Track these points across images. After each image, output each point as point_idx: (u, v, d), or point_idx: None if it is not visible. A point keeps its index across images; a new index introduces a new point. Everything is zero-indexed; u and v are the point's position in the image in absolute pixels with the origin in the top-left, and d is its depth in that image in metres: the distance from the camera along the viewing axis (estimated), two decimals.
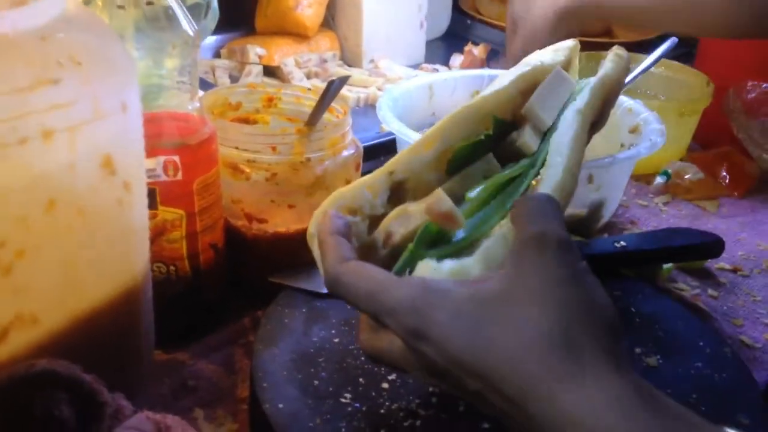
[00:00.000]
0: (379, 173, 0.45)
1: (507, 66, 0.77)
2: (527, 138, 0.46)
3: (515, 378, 0.32)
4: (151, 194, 0.49)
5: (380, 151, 0.80)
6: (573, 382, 0.31)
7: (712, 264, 0.69)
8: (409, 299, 0.35)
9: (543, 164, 0.43)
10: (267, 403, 0.45)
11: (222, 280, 0.57)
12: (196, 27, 0.50)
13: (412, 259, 0.41)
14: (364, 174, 0.64)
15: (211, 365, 0.53)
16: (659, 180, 0.83)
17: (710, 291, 0.66)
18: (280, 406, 0.45)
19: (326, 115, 0.61)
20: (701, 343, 0.53)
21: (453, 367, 0.34)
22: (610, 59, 0.50)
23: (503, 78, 0.48)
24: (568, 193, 0.42)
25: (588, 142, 0.46)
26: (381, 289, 0.36)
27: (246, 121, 0.65)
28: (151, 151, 0.49)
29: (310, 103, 0.63)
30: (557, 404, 0.31)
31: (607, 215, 0.73)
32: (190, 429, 0.40)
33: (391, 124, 0.72)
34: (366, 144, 0.77)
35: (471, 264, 0.39)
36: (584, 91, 0.47)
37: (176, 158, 0.50)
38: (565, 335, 0.32)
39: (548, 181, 0.42)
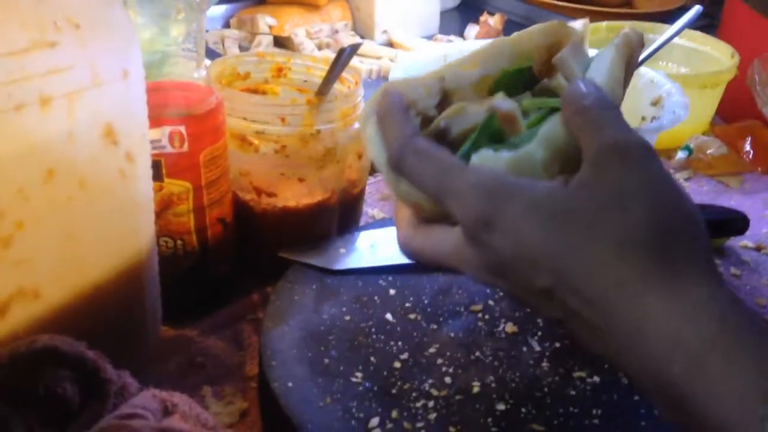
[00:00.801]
0: (431, 76, 0.43)
1: None
2: (561, 79, 0.43)
3: (599, 278, 0.31)
4: (157, 166, 0.47)
5: None
6: (665, 285, 0.30)
7: (735, 242, 0.67)
8: (482, 185, 0.34)
9: None
10: (276, 381, 0.44)
11: (230, 255, 0.55)
12: None
13: (473, 149, 0.38)
14: None
15: (220, 342, 0.52)
16: (681, 155, 0.81)
17: (733, 270, 0.64)
18: (290, 384, 0.44)
19: (337, 86, 0.59)
20: None
21: (523, 261, 0.33)
22: (627, 31, 0.48)
23: (536, 26, 0.46)
24: (615, 101, 0.38)
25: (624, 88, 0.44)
26: (452, 171, 0.35)
27: (255, 91, 0.63)
28: (155, 121, 0.47)
29: (320, 73, 0.61)
30: (646, 306, 0.30)
31: None
32: (198, 407, 0.39)
33: None
34: None
35: (532, 149, 0.36)
36: (615, 39, 0.45)
37: (182, 129, 0.48)
38: (657, 238, 0.31)
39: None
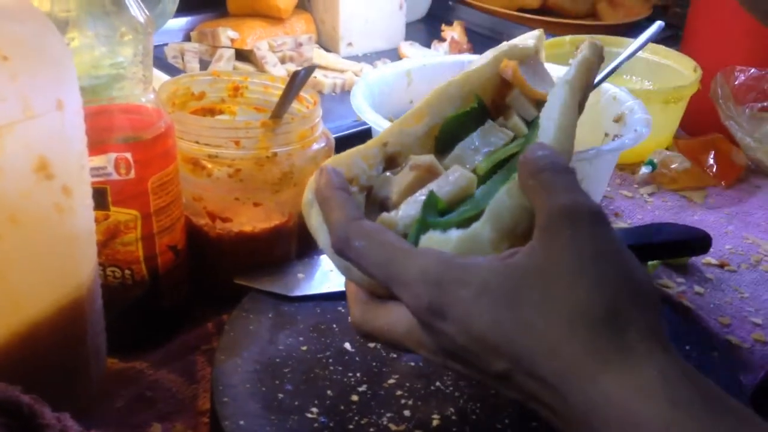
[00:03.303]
0: (373, 144, 0.42)
1: None
2: (516, 119, 0.44)
3: (552, 358, 0.30)
4: (101, 194, 0.45)
5: (356, 140, 0.76)
6: (617, 362, 0.29)
7: (699, 258, 0.67)
8: (430, 272, 0.32)
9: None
10: (227, 419, 0.42)
11: (183, 284, 0.53)
12: (147, 13, 0.46)
13: (420, 227, 0.38)
14: None
15: (171, 374, 0.50)
16: (644, 170, 0.80)
17: (696, 287, 0.63)
18: (241, 423, 0.42)
19: (295, 106, 0.58)
20: (687, 347, 0.51)
21: (476, 346, 0.32)
22: (587, 46, 0.47)
23: (483, 56, 0.46)
24: (565, 154, 0.39)
25: (577, 117, 0.44)
26: (397, 258, 0.33)
27: (211, 111, 0.61)
28: (100, 148, 0.45)
29: (278, 92, 0.59)
30: (600, 385, 0.29)
31: None
32: None
33: (366, 114, 0.68)
34: (341, 134, 0.73)
35: (479, 228, 0.35)
36: (569, 68, 0.44)
37: (128, 155, 0.46)
38: (608, 313, 0.30)
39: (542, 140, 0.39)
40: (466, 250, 0.35)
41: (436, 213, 0.38)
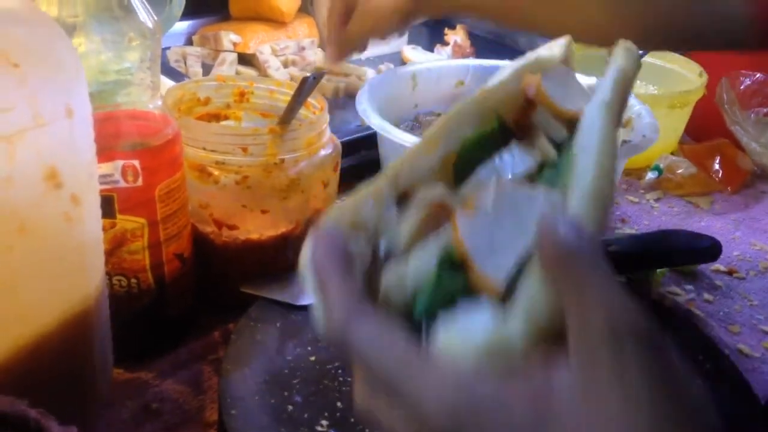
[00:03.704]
0: (383, 180, 0.37)
1: (331, 55, 0.68)
2: (543, 140, 0.39)
3: None
4: (108, 202, 0.45)
5: (361, 145, 0.76)
6: None
7: (707, 265, 0.66)
8: (445, 397, 0.28)
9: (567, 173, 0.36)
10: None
11: (189, 292, 0.52)
12: (155, 18, 0.46)
13: (429, 316, 0.32)
14: (343, 173, 0.61)
15: (178, 385, 0.49)
16: (651, 176, 0.80)
17: (705, 295, 0.63)
18: None
19: (302, 112, 0.57)
20: (700, 357, 0.50)
21: None
22: (621, 53, 0.45)
23: (503, 71, 0.42)
24: (605, 201, 0.34)
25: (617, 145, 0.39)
26: (406, 368, 0.29)
27: (216, 117, 0.60)
28: (107, 155, 0.44)
29: (285, 97, 0.59)
30: None
31: None
32: None
33: (371, 119, 0.68)
34: (346, 139, 0.73)
35: (512, 333, 0.30)
36: (604, 85, 0.40)
37: (136, 162, 0.45)
38: None
39: (577, 190, 0.33)
40: (493, 357, 0.29)
41: (454, 270, 0.32)
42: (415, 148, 0.38)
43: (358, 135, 0.76)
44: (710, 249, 0.60)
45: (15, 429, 0.34)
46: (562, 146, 0.39)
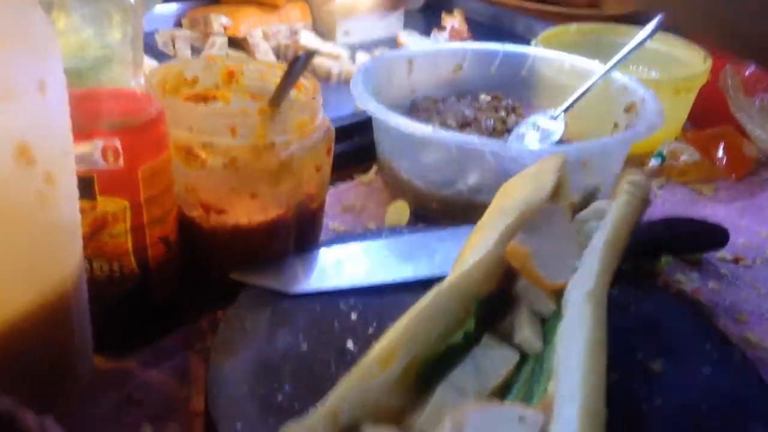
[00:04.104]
0: (317, 419, 0.32)
1: None
2: (526, 331, 0.35)
3: None
4: (88, 183, 0.42)
5: (355, 131, 0.74)
6: None
7: (712, 254, 0.64)
8: None
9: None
10: (223, 422, 0.40)
11: (175, 278, 0.50)
12: None
13: None
14: (336, 160, 0.58)
15: (163, 374, 0.47)
16: (654, 162, 0.78)
17: (711, 284, 0.61)
18: (238, 426, 0.40)
19: (293, 93, 0.55)
20: (707, 346, 0.48)
21: None
22: (626, 191, 0.42)
23: (480, 237, 0.37)
24: (599, 420, 0.29)
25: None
26: None
27: (204, 98, 0.58)
28: (86, 134, 0.42)
29: (275, 79, 0.56)
30: None
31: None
32: None
33: (366, 103, 0.66)
34: (339, 125, 0.71)
35: None
36: (592, 254, 0.36)
37: (116, 142, 0.43)
38: None
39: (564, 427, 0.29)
40: None
41: None
42: (361, 371, 0.33)
43: (353, 121, 0.74)
44: (718, 236, 0.58)
45: None
46: (546, 326, 0.36)
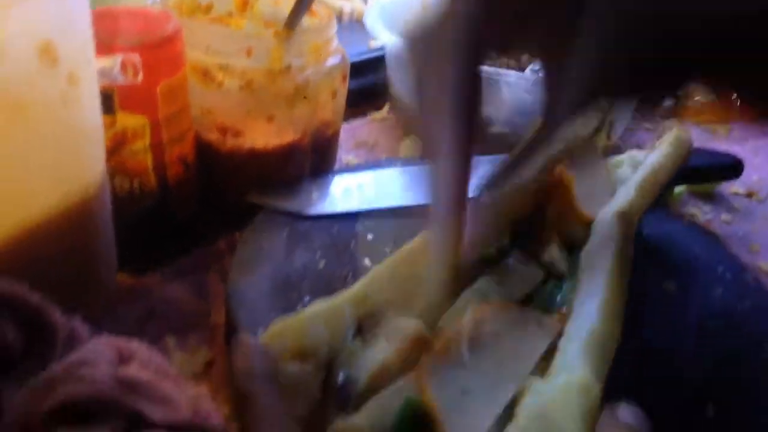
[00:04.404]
0: (344, 300, 0.33)
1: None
2: (554, 252, 0.37)
3: None
4: (109, 98, 0.43)
5: (369, 67, 0.74)
6: None
7: (725, 188, 0.65)
8: None
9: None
10: (246, 329, 0.40)
11: (193, 198, 0.51)
12: None
13: None
14: (349, 94, 0.58)
15: (183, 291, 0.48)
16: (668, 102, 0.78)
17: (724, 216, 0.61)
18: (260, 331, 0.40)
19: (308, 19, 0.55)
20: (720, 269, 0.49)
21: None
22: (668, 142, 0.42)
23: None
24: (610, 346, 0.30)
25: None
26: None
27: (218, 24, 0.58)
28: (106, 49, 0.42)
29: (289, 6, 0.56)
30: None
31: (612, 139, 0.68)
32: (158, 356, 0.35)
33: (381, 36, 0.65)
34: (353, 62, 0.70)
35: None
36: (626, 189, 0.38)
37: (136, 57, 0.43)
38: None
39: (576, 341, 0.30)
40: None
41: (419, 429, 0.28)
42: (392, 261, 0.34)
43: (366, 57, 0.74)
44: (732, 166, 0.58)
45: (12, 311, 0.33)
46: (573, 257, 0.36)
